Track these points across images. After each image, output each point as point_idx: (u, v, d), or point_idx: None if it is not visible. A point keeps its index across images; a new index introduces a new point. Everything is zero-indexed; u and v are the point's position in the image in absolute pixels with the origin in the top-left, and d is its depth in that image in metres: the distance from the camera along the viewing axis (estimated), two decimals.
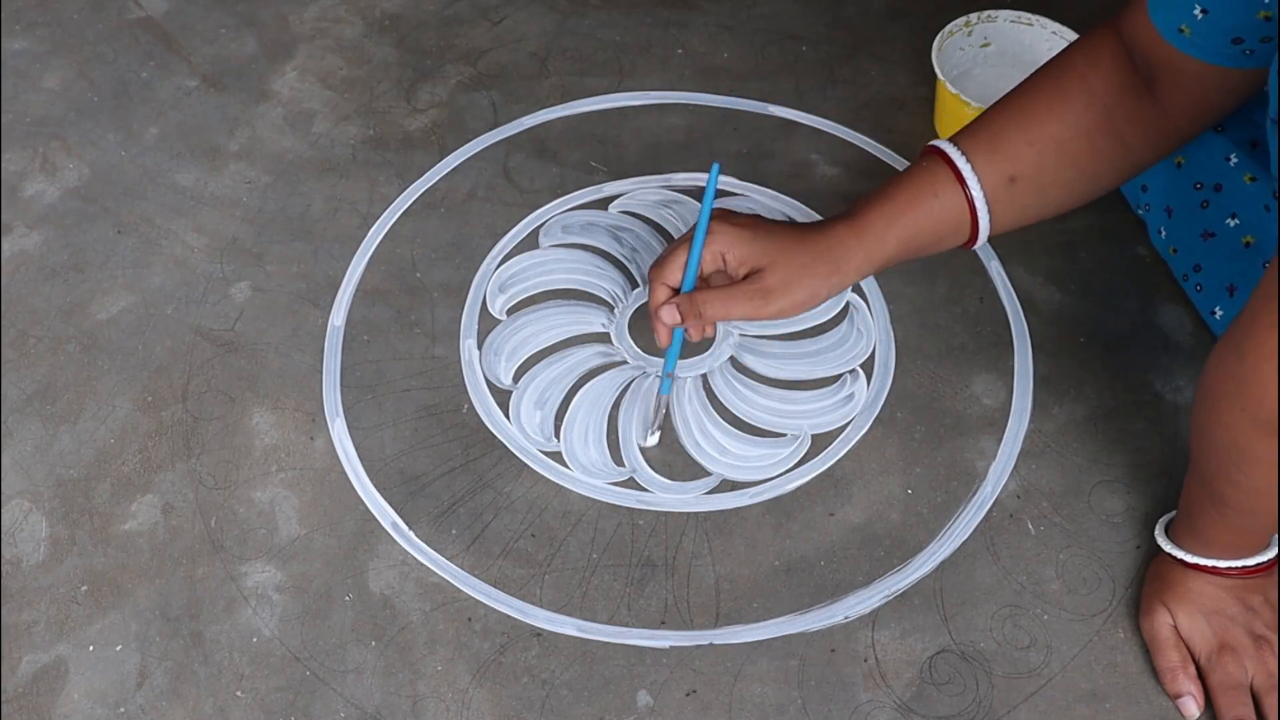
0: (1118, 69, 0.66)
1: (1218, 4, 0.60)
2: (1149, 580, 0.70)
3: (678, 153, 0.95)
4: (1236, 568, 0.66)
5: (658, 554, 0.73)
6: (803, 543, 0.73)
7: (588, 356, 0.82)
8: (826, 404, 0.80)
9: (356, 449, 0.78)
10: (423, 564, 0.73)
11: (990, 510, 0.74)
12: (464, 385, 0.81)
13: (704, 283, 0.73)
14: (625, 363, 0.82)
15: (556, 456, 0.78)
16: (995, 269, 0.86)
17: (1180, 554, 0.67)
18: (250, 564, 0.73)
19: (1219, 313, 0.78)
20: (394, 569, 0.73)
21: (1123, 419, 0.78)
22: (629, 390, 0.80)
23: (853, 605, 0.71)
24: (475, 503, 0.76)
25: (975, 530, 0.74)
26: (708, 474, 0.76)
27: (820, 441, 0.78)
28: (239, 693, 0.68)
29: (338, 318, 0.85)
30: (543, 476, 0.77)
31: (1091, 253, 0.86)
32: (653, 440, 0.78)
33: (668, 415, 0.78)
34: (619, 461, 0.77)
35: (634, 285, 0.86)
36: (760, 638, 0.70)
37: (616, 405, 0.80)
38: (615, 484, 0.76)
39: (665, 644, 0.70)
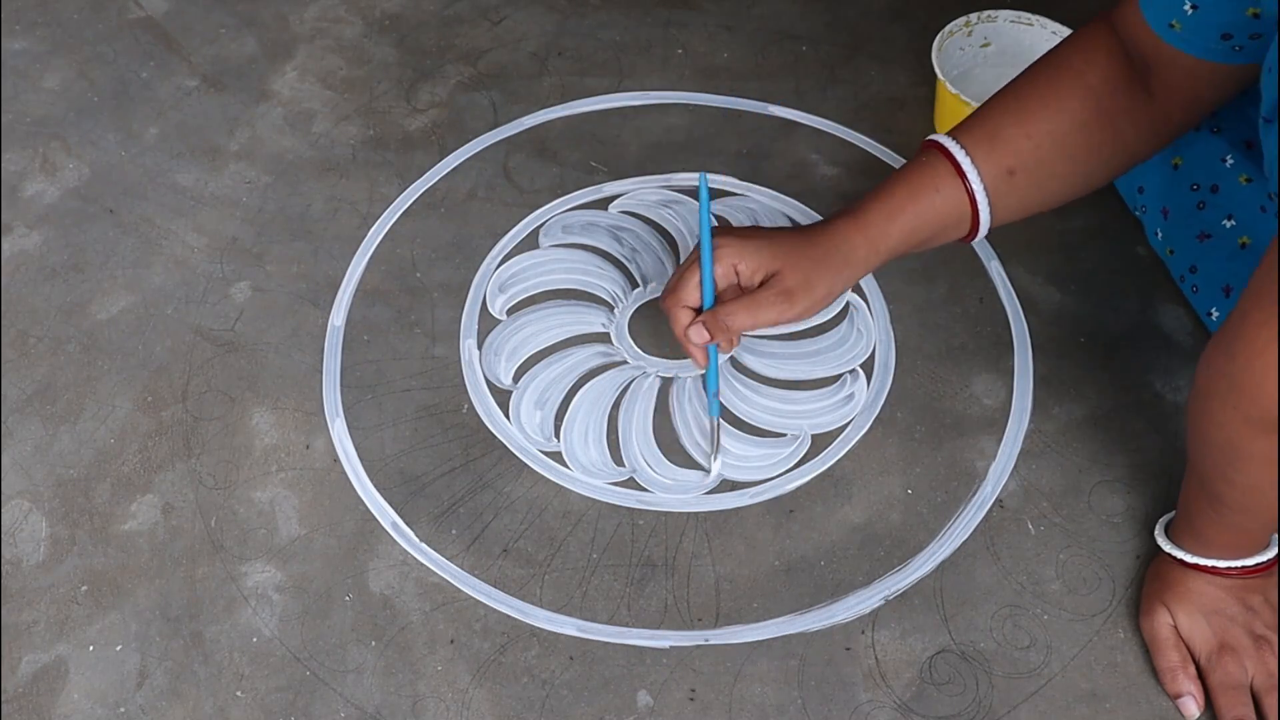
0: (1113, 63, 0.66)
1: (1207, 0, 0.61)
2: (1149, 580, 0.70)
3: (678, 153, 0.95)
4: (1236, 567, 0.66)
5: (658, 554, 0.73)
6: (803, 543, 0.74)
7: (588, 356, 0.82)
8: (826, 404, 0.80)
9: (356, 449, 0.78)
10: (423, 564, 0.73)
11: (990, 510, 0.74)
12: (464, 385, 0.81)
13: (719, 299, 0.73)
14: (625, 363, 0.82)
15: (556, 456, 0.78)
16: (995, 269, 0.86)
17: (1180, 554, 0.67)
18: (250, 564, 0.73)
19: (1215, 314, 0.78)
20: (394, 569, 0.73)
21: (1123, 419, 0.78)
22: (629, 390, 0.81)
23: (853, 605, 0.71)
24: (475, 503, 0.76)
25: (975, 530, 0.74)
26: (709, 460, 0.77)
27: (820, 441, 0.78)
28: (239, 693, 0.68)
29: (338, 318, 0.85)
30: (543, 476, 0.77)
31: (1091, 253, 0.86)
32: (716, 467, 0.76)
33: (716, 433, 0.76)
34: (619, 461, 0.77)
35: (634, 285, 0.86)
36: (760, 638, 0.70)
37: (616, 405, 0.80)
38: (615, 484, 0.76)
39: (665, 644, 0.70)
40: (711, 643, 0.70)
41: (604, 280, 0.87)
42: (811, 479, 0.76)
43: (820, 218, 0.87)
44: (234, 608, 0.72)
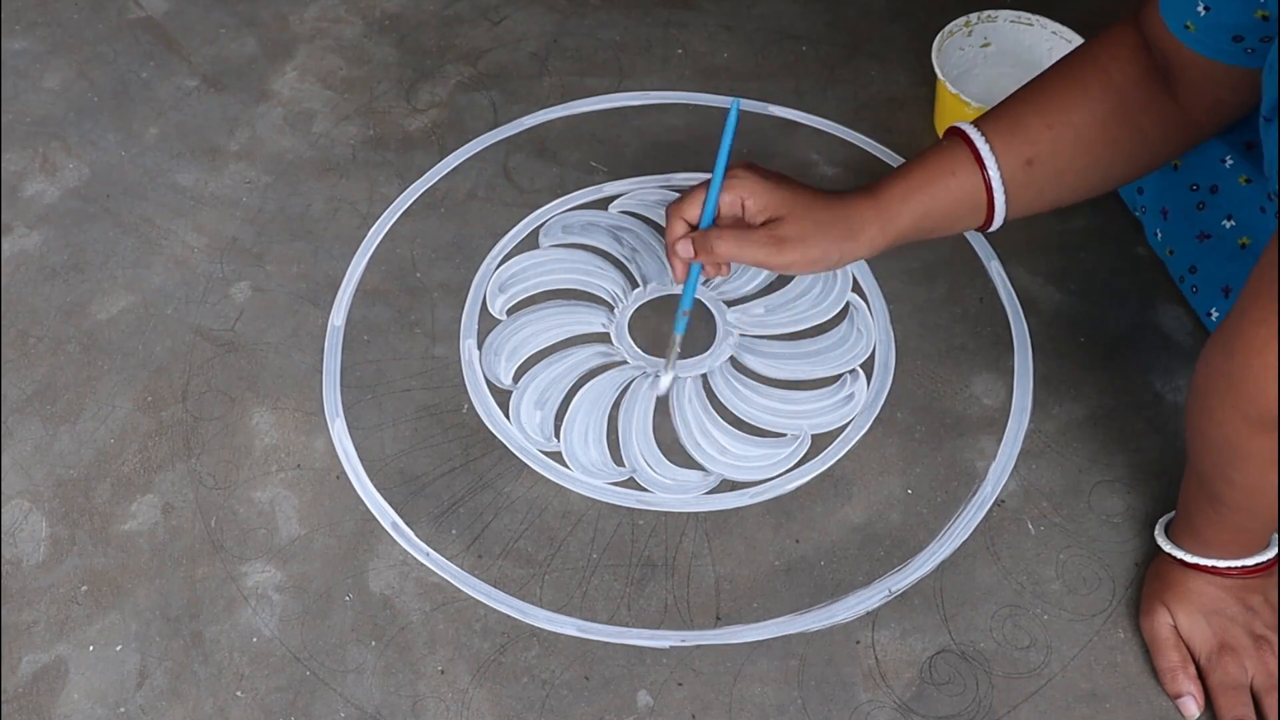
0: (1136, 61, 0.67)
1: (1217, 1, 0.61)
2: (1149, 580, 0.70)
3: (678, 153, 0.95)
4: (1236, 567, 0.66)
5: (658, 554, 0.73)
6: (803, 543, 0.74)
7: (588, 356, 0.82)
8: (826, 404, 0.80)
9: (356, 449, 0.78)
10: (423, 564, 0.73)
11: (990, 510, 0.74)
12: (464, 385, 0.81)
13: (718, 224, 0.72)
14: (625, 363, 0.82)
15: (556, 456, 0.78)
16: (995, 269, 0.86)
17: (1180, 554, 0.67)
18: (250, 564, 0.73)
19: (1215, 314, 0.78)
20: (394, 569, 0.73)
21: (1123, 419, 0.78)
22: (629, 390, 0.81)
23: (853, 605, 0.71)
24: (475, 503, 0.76)
25: (975, 530, 0.74)
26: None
27: (820, 441, 0.78)
28: (239, 693, 0.68)
29: (338, 318, 0.85)
30: (543, 476, 0.77)
31: (1091, 253, 0.86)
32: (665, 381, 0.77)
33: (674, 350, 0.77)
34: (619, 461, 0.77)
35: (634, 285, 0.86)
36: (760, 638, 0.70)
37: (616, 405, 0.80)
38: (615, 484, 0.76)
39: (665, 644, 0.70)
40: (711, 643, 0.70)
41: (604, 280, 0.87)
42: (811, 479, 0.76)
43: None
44: (234, 608, 0.72)
